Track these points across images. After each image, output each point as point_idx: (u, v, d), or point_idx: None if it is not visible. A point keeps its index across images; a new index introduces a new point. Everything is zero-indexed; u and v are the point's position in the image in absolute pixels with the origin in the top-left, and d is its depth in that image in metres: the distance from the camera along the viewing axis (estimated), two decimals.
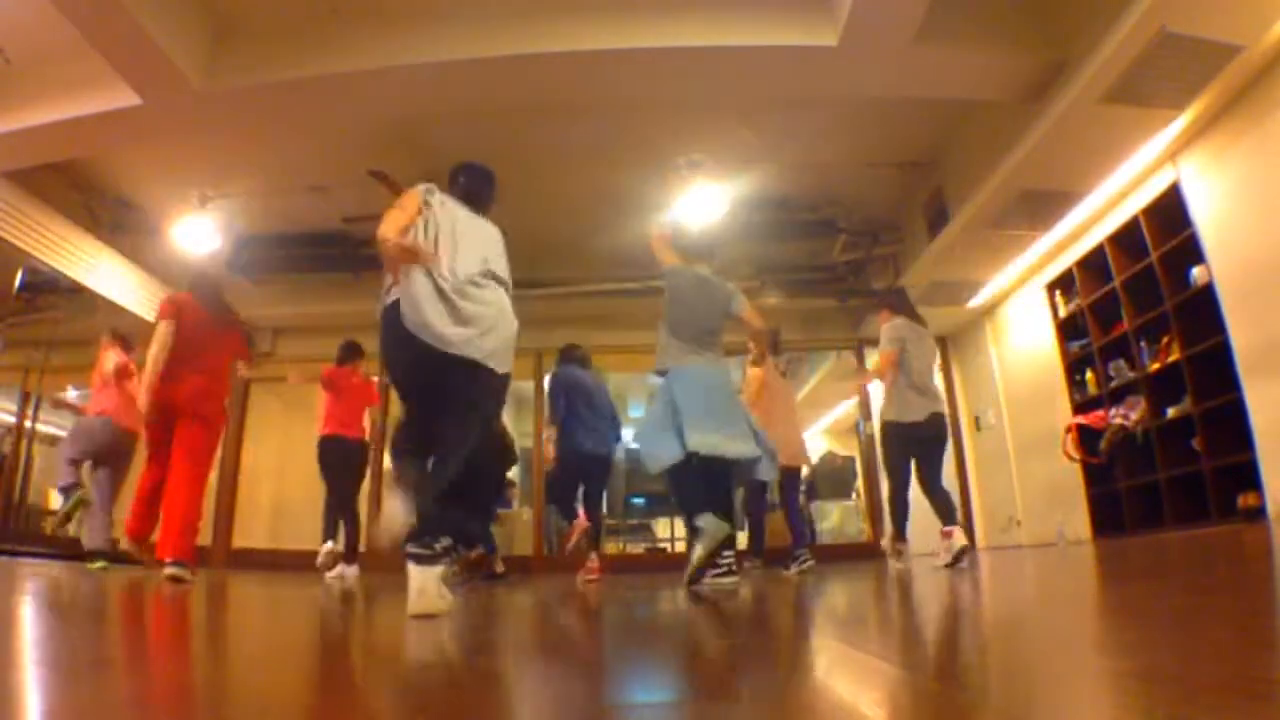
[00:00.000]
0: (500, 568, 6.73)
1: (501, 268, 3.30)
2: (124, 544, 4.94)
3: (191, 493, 4.61)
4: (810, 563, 5.79)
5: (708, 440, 4.09)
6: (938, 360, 6.05)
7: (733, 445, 4.17)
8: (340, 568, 6.47)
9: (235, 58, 5.36)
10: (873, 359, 6.47)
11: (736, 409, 4.41)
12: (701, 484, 4.18)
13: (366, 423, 7.00)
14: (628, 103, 6.25)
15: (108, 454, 6.15)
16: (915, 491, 5.58)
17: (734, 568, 4.09)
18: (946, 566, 4.97)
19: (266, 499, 9.62)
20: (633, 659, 1.77)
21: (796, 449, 6.28)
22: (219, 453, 5.20)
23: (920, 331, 5.74)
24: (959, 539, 5.08)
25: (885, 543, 5.97)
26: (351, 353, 7.11)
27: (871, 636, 1.96)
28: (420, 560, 2.55)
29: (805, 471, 7.12)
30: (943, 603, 2.78)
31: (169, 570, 4.34)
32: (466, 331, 2.89)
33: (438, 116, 6.46)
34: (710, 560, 3.99)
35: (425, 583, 2.51)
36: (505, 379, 3.07)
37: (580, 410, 6.31)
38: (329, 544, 6.49)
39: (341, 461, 6.68)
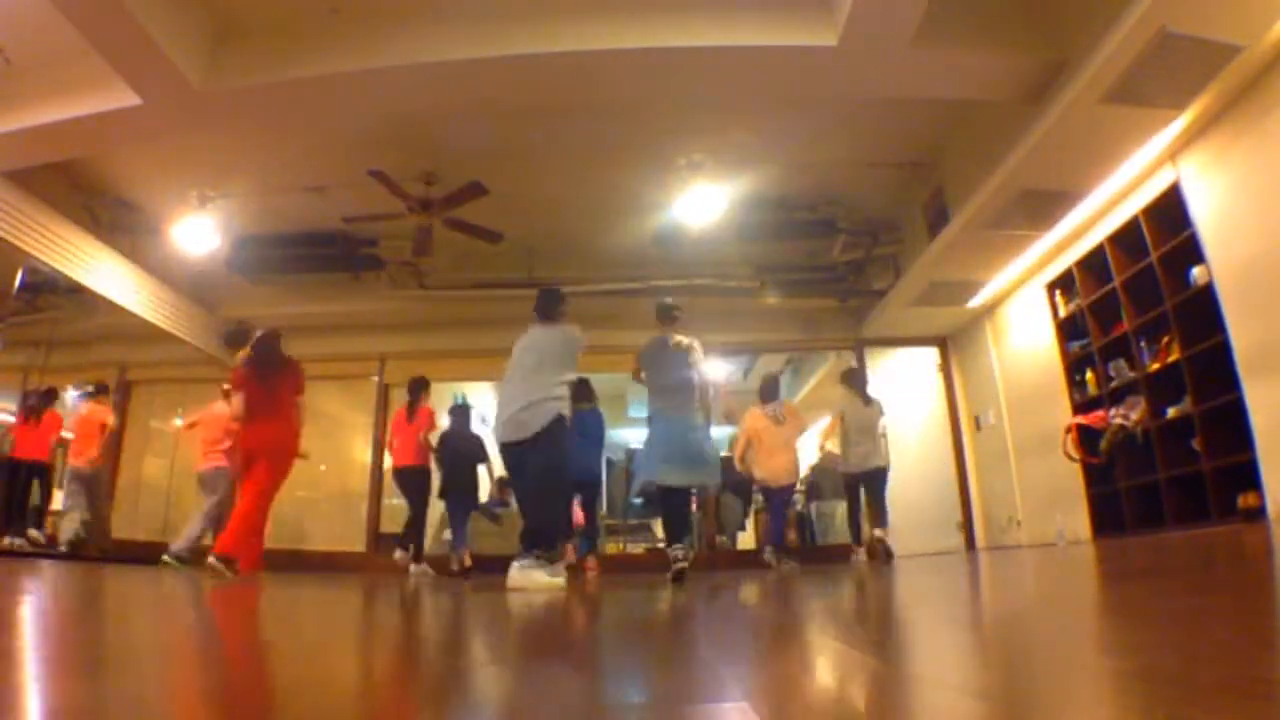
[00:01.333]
0: (468, 563, 7.62)
1: (531, 361, 5.03)
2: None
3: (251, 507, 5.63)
4: (772, 559, 7.30)
5: (668, 475, 5.40)
6: (882, 420, 7.98)
7: (686, 476, 5.47)
8: (412, 566, 7.61)
9: (235, 58, 5.37)
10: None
11: (696, 449, 5.49)
12: (670, 511, 5.65)
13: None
14: (628, 103, 6.26)
15: None
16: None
17: (679, 558, 5.09)
18: (884, 557, 7.28)
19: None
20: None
21: (777, 473, 7.65)
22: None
23: (859, 404, 7.80)
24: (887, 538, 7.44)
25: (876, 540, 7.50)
26: (417, 396, 8.01)
27: (870, 636, 1.96)
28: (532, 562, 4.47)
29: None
30: (940, 603, 2.78)
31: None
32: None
33: (438, 116, 6.48)
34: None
35: (526, 574, 4.38)
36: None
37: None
38: (400, 552, 7.65)
39: (413, 485, 7.80)
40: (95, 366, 9.85)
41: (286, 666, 1.61)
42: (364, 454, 10.01)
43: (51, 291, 8.69)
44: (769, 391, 7.96)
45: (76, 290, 8.06)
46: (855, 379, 8.04)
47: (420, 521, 7.82)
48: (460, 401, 8.23)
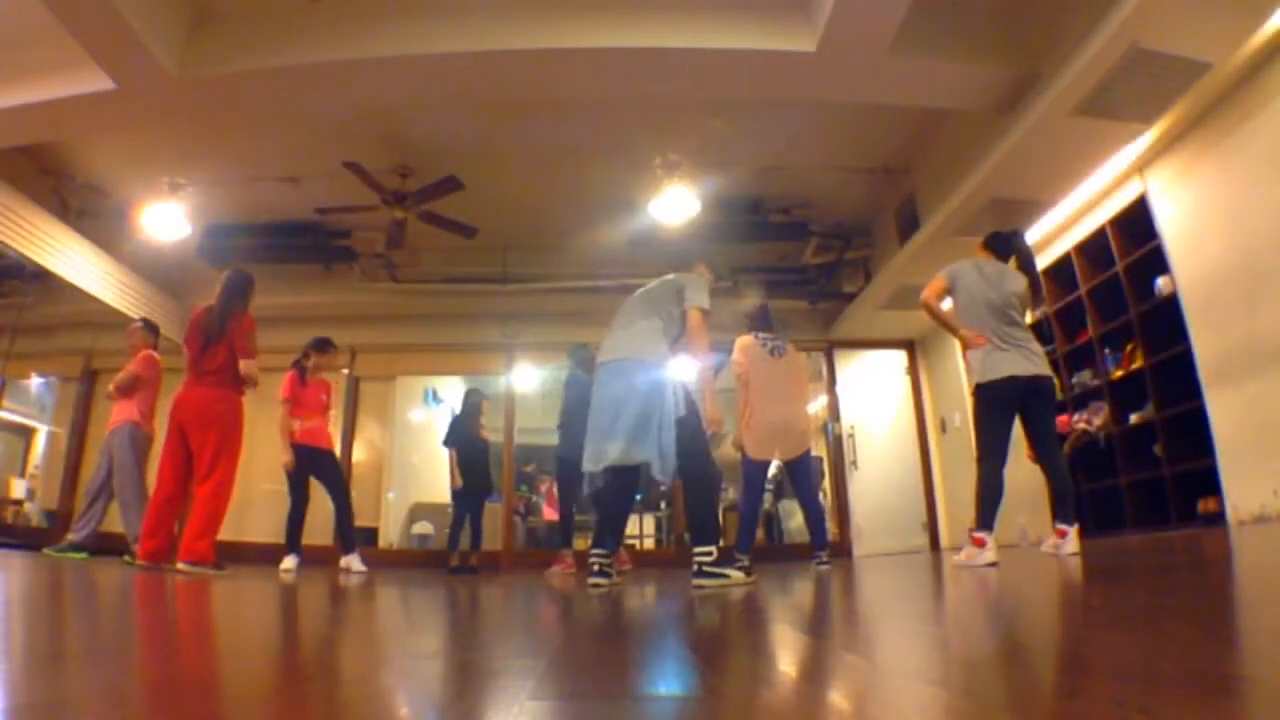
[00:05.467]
0: (455, 561, 7.50)
1: None
2: None
3: None
4: (826, 565, 5.46)
5: (593, 453, 4.00)
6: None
7: (614, 449, 3.90)
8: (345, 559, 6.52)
9: (212, 45, 5.31)
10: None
11: (630, 409, 3.90)
12: (607, 511, 4.16)
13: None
14: (606, 101, 6.27)
15: None
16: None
17: (599, 569, 3.89)
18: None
19: (234, 491, 9.48)
20: None
21: (793, 438, 5.55)
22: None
23: (988, 271, 4.84)
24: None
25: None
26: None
27: (858, 638, 2.00)
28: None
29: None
30: (909, 604, 2.83)
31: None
32: None
33: (415, 110, 6.46)
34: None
35: None
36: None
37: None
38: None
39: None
40: (60, 354, 9.70)
41: None
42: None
43: (16, 277, 8.54)
44: (762, 319, 5.77)
45: (42, 276, 7.92)
46: (1000, 241, 5.01)
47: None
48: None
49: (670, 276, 4.33)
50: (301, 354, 6.70)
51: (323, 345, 6.76)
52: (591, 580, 3.86)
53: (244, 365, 5.18)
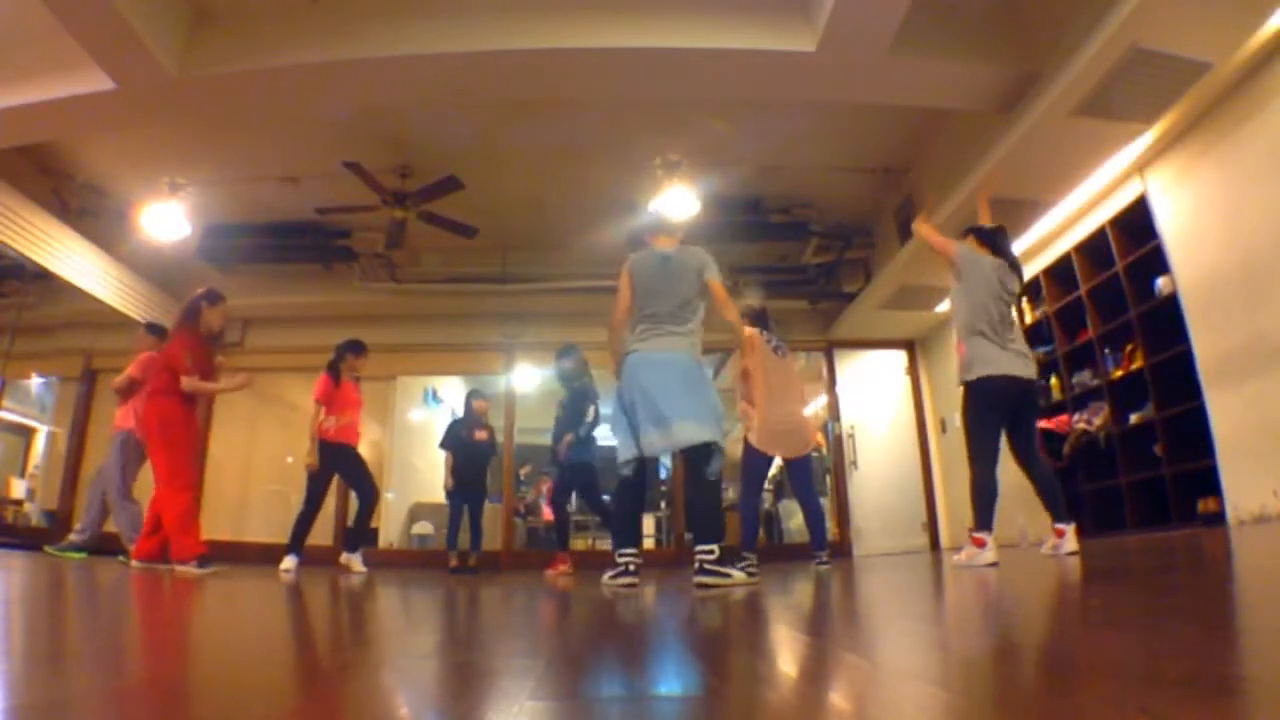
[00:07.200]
0: (455, 562, 7.52)
1: None
2: None
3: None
4: (825, 565, 5.52)
5: (650, 439, 3.92)
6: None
7: (684, 431, 3.87)
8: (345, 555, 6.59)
9: (212, 45, 5.31)
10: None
11: (692, 390, 3.97)
12: (634, 506, 4.18)
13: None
14: (606, 101, 6.27)
15: None
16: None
17: (630, 568, 3.92)
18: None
19: (233, 491, 9.51)
20: None
21: (800, 439, 5.64)
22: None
23: (991, 265, 4.84)
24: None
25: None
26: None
27: (858, 638, 2.00)
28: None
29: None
30: (909, 604, 2.83)
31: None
32: None
33: (414, 110, 6.46)
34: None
35: None
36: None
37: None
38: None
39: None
40: (60, 354, 9.70)
41: None
42: None
43: (16, 277, 8.55)
44: (762, 319, 5.86)
45: (42, 276, 7.94)
46: (988, 234, 5.01)
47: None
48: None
49: (688, 255, 4.24)
50: (336, 356, 6.68)
51: (360, 348, 6.77)
52: (626, 581, 3.87)
53: (185, 383, 5.20)
